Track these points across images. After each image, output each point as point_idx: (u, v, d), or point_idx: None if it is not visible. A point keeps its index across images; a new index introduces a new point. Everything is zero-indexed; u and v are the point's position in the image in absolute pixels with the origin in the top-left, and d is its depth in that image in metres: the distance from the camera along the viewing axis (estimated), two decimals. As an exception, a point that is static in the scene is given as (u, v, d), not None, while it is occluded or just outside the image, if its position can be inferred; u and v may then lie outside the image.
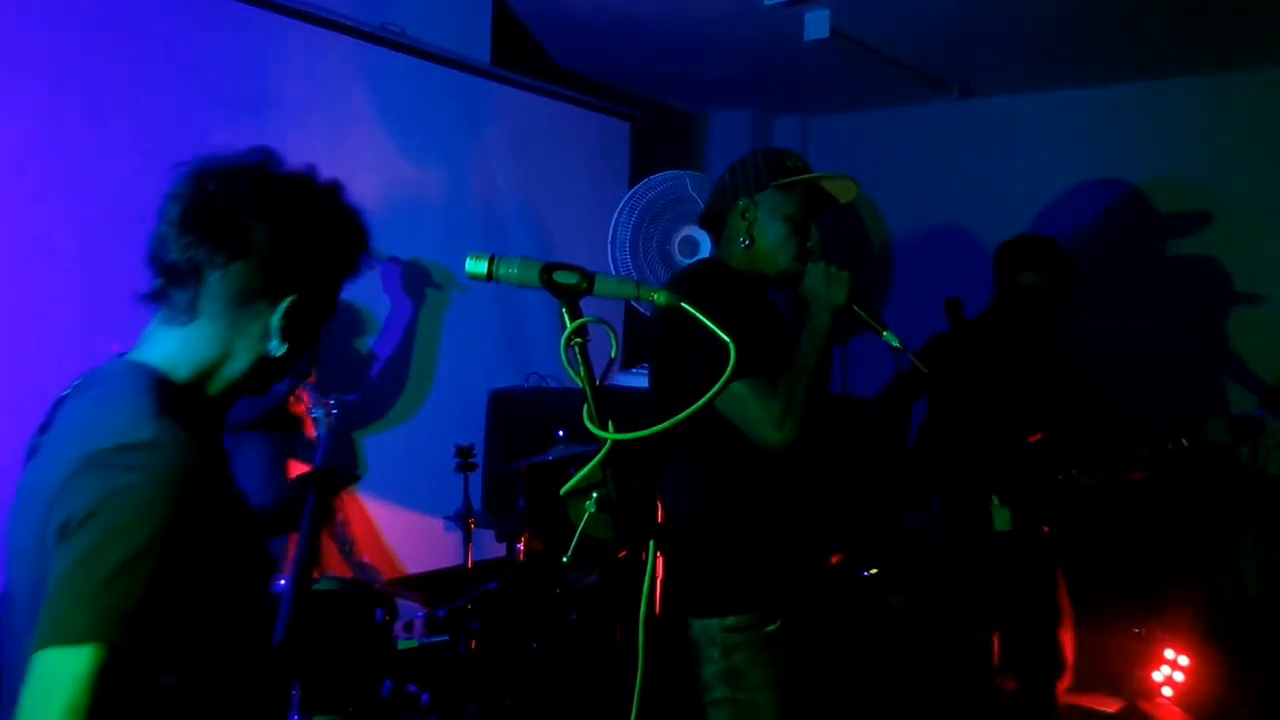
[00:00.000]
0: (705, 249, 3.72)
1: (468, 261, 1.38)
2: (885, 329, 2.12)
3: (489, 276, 1.38)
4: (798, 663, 2.21)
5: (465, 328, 3.97)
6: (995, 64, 4.60)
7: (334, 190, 1.41)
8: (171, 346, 1.31)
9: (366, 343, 3.64)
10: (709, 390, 1.42)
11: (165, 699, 1.19)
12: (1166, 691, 3.86)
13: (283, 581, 2.10)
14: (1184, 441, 3.10)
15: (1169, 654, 3.87)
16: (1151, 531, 4.14)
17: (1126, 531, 4.18)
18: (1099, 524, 4.17)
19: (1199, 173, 4.50)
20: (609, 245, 3.77)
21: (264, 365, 1.35)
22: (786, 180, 2.19)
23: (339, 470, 1.96)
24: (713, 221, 2.32)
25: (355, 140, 3.53)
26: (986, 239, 3.75)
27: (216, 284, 1.29)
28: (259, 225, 1.29)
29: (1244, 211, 4.39)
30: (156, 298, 1.32)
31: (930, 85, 4.89)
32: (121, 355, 1.34)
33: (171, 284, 1.30)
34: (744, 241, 2.21)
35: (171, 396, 1.26)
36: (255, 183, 1.32)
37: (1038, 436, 3.24)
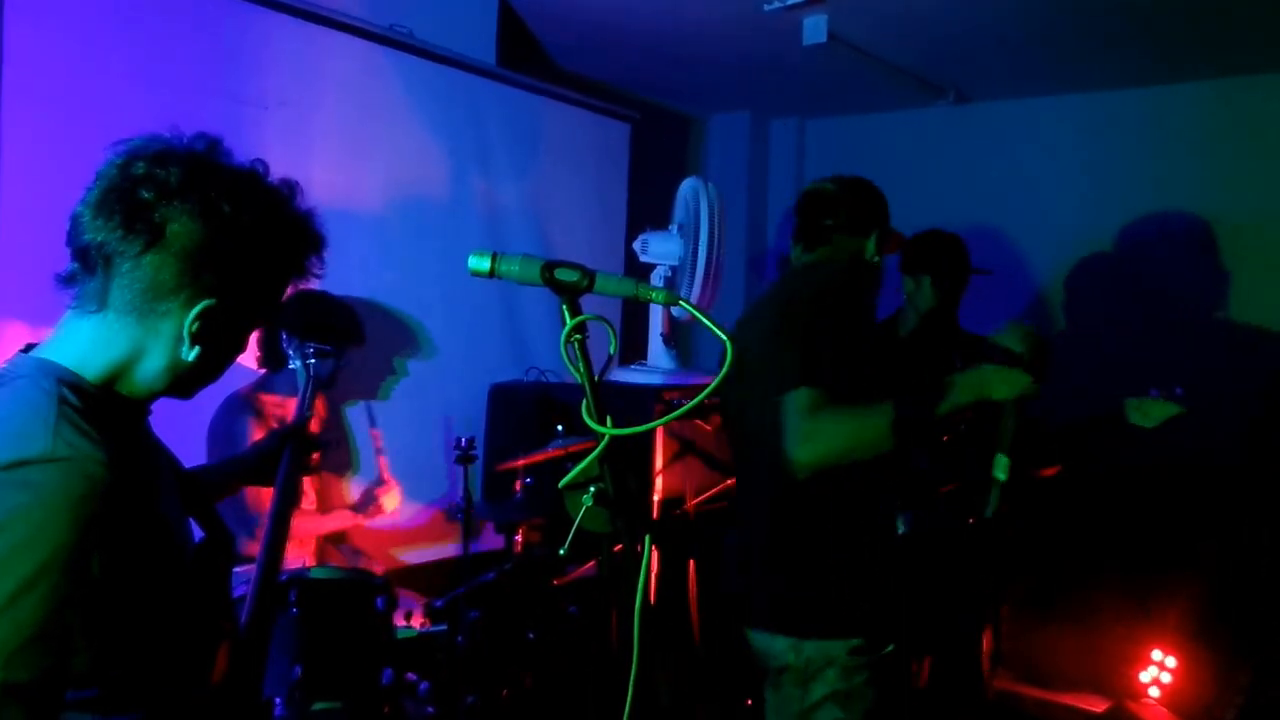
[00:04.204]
0: (654, 246, 3.74)
1: (471, 259, 1.36)
2: (1004, 453, 2.04)
3: (491, 273, 1.36)
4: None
5: (467, 323, 4.02)
6: (991, 70, 4.64)
7: (283, 190, 1.29)
8: (82, 341, 1.20)
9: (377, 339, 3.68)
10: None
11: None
12: (1154, 692, 3.88)
13: (249, 567, 2.06)
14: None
15: (1156, 654, 3.89)
16: (1140, 529, 4.17)
17: (1113, 529, 4.22)
18: (1087, 521, 4.21)
19: (1197, 179, 4.52)
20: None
21: (180, 369, 1.23)
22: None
23: (310, 429, 1.92)
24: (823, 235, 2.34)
25: (363, 139, 3.56)
26: (981, 244, 3.78)
27: (127, 275, 1.17)
28: (182, 217, 1.17)
29: (1244, 218, 4.41)
30: (68, 282, 1.21)
31: (926, 90, 4.93)
32: (30, 350, 1.23)
33: (83, 269, 1.19)
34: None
35: (81, 400, 1.14)
36: (188, 170, 1.18)
37: (945, 438, 3.28)
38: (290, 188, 1.30)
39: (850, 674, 2.07)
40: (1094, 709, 3.86)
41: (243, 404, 2.99)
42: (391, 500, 3.30)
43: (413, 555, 3.70)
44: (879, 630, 2.10)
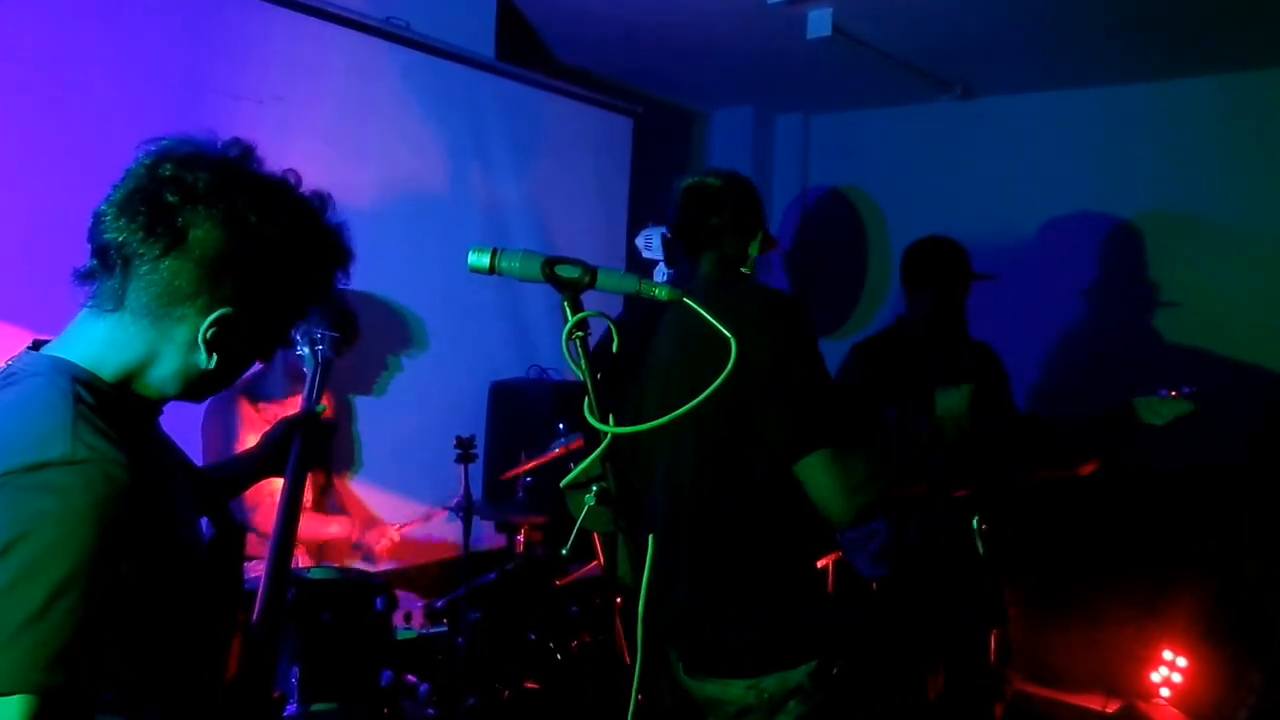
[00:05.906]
0: (659, 242, 3.73)
1: (470, 255, 1.37)
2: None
3: (491, 270, 1.37)
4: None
5: (467, 320, 3.99)
6: (998, 64, 4.60)
7: (313, 202, 1.27)
8: (97, 340, 1.18)
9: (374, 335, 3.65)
10: None
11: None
12: (1164, 692, 3.86)
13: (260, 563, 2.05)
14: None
15: (1167, 655, 3.87)
16: (1150, 529, 4.14)
17: (1123, 530, 4.19)
18: (1094, 522, 4.17)
19: (1206, 174, 4.47)
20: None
21: (192, 375, 1.22)
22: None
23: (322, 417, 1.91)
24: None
25: (359, 134, 3.53)
26: (987, 239, 3.75)
27: (144, 277, 1.15)
28: (205, 223, 1.15)
29: (1253, 214, 4.35)
30: (87, 279, 1.20)
31: (932, 84, 4.89)
32: (41, 347, 1.21)
33: (102, 267, 1.18)
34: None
35: (97, 401, 1.12)
36: (216, 176, 1.17)
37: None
38: (322, 200, 1.28)
39: (810, 697, 2.00)
40: (1105, 709, 3.84)
41: (236, 397, 2.97)
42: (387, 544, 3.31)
43: (413, 555, 3.67)
44: (831, 648, 2.04)
